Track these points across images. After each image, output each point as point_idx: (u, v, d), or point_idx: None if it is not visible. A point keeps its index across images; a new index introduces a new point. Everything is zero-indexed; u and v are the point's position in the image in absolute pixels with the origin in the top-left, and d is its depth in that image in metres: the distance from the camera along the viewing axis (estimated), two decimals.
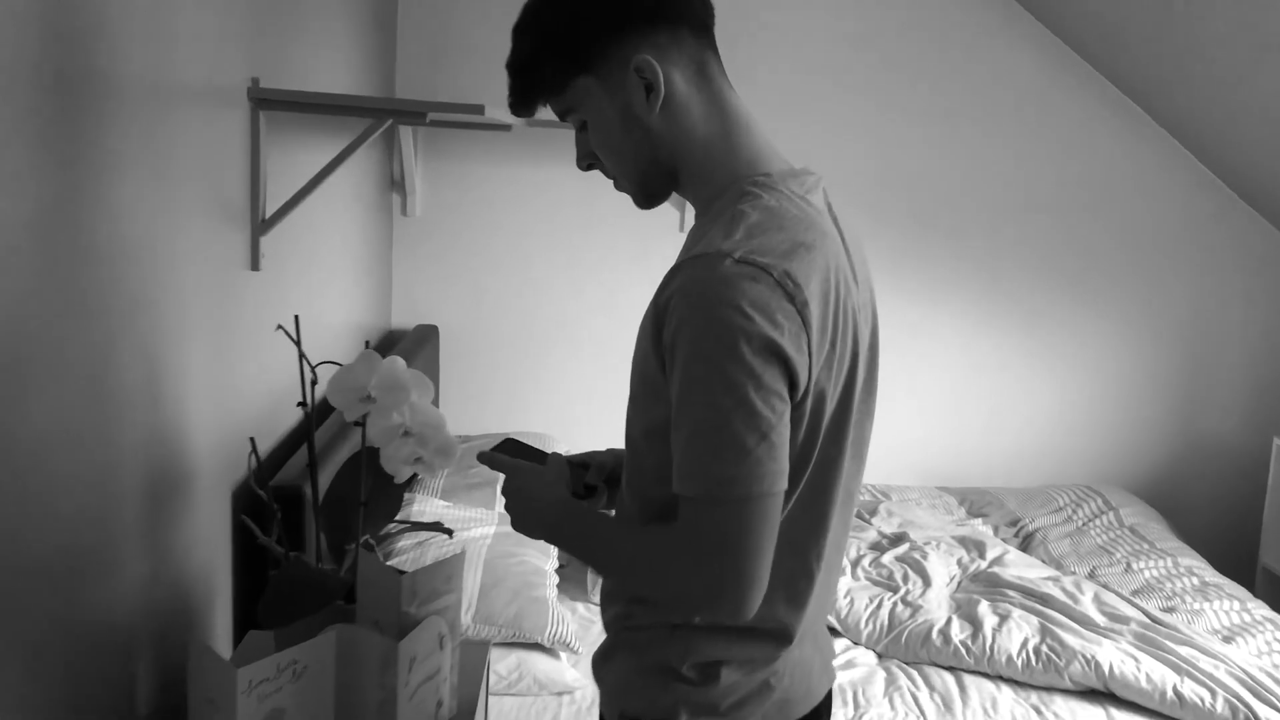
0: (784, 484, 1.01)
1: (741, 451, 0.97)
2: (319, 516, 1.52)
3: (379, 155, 3.06)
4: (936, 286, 3.47)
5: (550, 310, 3.35)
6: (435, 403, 3.33)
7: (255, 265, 1.84)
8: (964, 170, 3.42)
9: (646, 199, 1.21)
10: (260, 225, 1.83)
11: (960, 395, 3.54)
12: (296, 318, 1.52)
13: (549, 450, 1.41)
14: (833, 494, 1.12)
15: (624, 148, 1.15)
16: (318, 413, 1.58)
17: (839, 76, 3.33)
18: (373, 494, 1.52)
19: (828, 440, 1.09)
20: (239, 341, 1.76)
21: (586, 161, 1.20)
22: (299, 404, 1.48)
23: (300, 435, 2.03)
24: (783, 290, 1.00)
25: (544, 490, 1.20)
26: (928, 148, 3.40)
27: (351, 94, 2.50)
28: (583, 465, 1.28)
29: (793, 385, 1.01)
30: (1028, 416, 3.58)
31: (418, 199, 3.28)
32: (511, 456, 1.25)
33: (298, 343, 1.47)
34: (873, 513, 3.16)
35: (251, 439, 1.56)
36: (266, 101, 1.80)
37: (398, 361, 1.49)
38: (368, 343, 1.47)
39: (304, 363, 1.47)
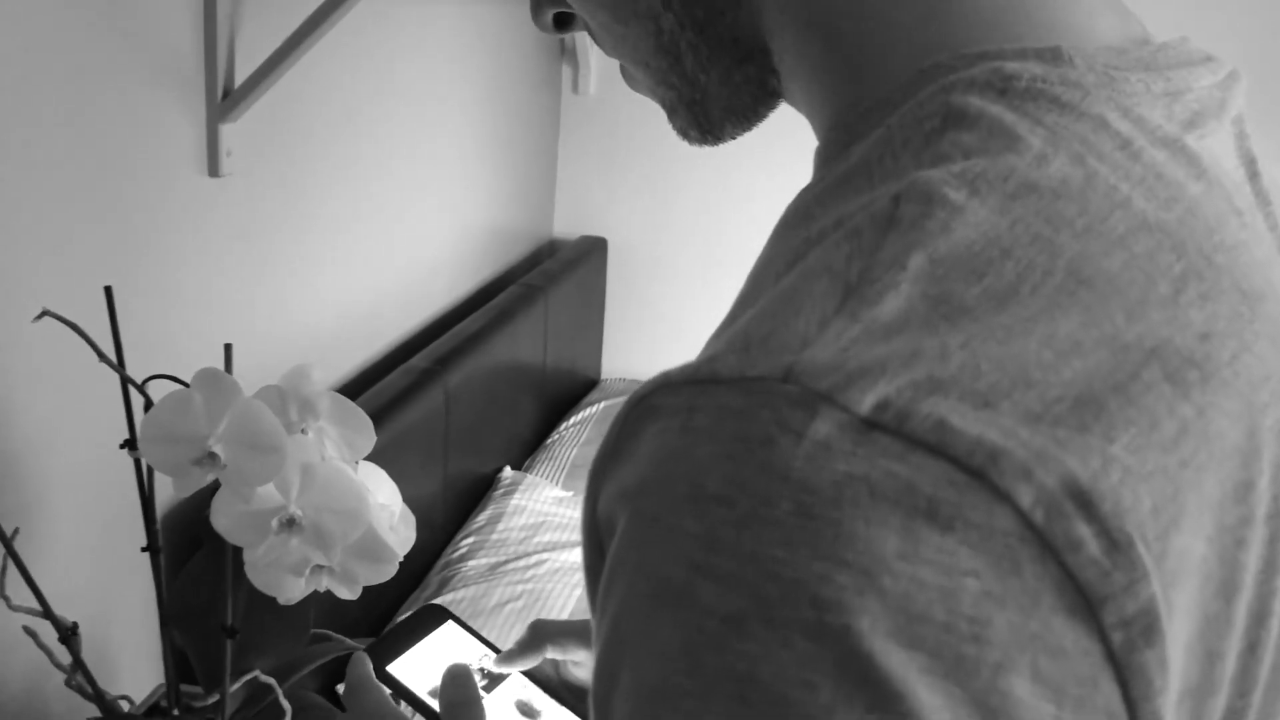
0: None
1: None
2: (165, 635, 0.87)
3: None
4: None
5: (747, 232, 2.56)
6: (596, 342, 2.65)
7: (214, 169, 1.18)
8: None
9: (695, 122, 0.47)
10: (219, 106, 1.16)
11: None
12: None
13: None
14: None
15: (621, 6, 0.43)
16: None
17: None
18: (249, 619, 0.86)
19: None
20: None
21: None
22: (123, 445, 0.82)
23: None
24: (1082, 590, 0.26)
25: None
26: None
27: None
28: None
29: None
30: None
31: (593, 73, 2.54)
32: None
33: (106, 358, 0.80)
34: None
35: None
36: None
37: (290, 383, 0.80)
38: (228, 347, 0.79)
39: (125, 383, 0.80)
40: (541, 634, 0.65)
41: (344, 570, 0.81)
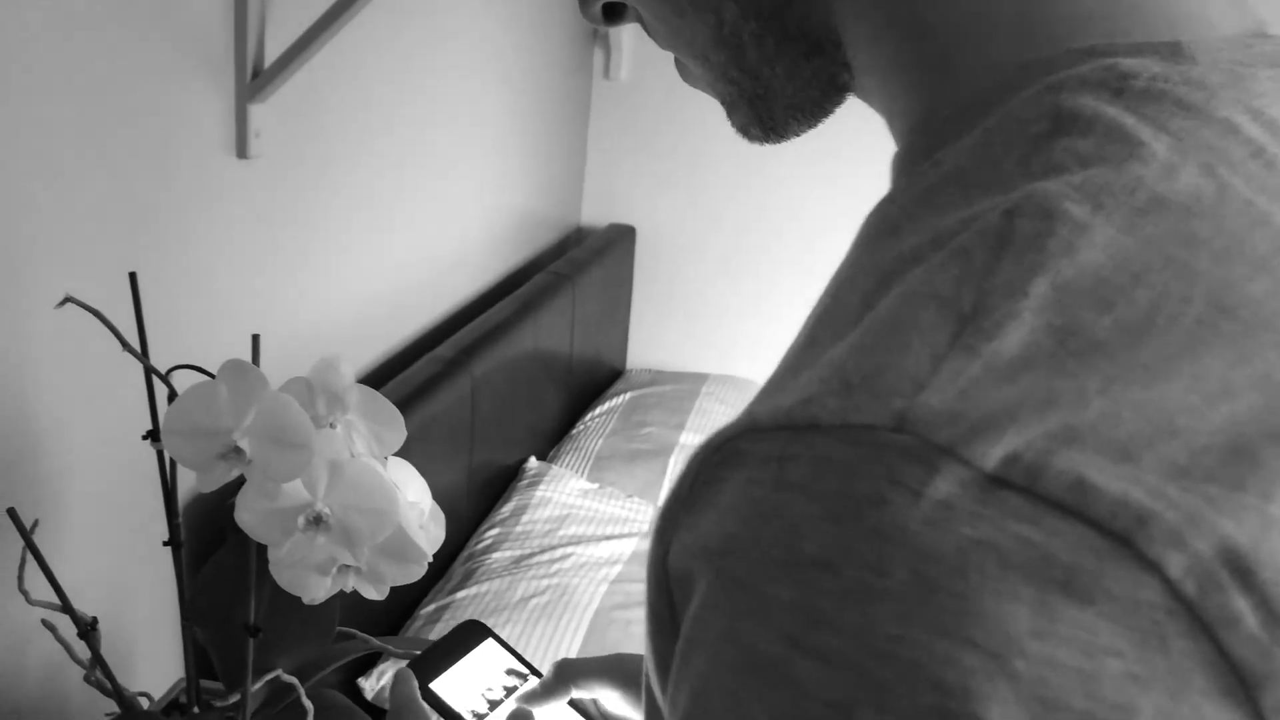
0: None
1: None
2: (185, 631, 0.85)
3: None
4: None
5: (779, 224, 2.52)
6: (622, 332, 2.62)
7: (242, 150, 1.15)
8: None
9: (757, 119, 0.43)
10: (249, 86, 1.14)
11: None
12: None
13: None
14: None
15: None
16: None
17: None
18: (273, 617, 0.83)
19: None
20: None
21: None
22: (145, 436, 0.79)
23: None
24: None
25: None
26: None
27: None
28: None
29: None
30: None
31: (625, 59, 2.50)
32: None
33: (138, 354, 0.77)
34: None
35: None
36: None
37: (318, 376, 0.77)
38: (255, 337, 0.77)
39: (149, 372, 0.78)
40: (567, 675, 0.62)
41: (371, 570, 0.79)
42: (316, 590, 0.79)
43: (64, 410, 0.96)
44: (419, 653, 0.66)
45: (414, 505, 0.82)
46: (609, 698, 0.61)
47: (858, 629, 0.22)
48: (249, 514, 0.75)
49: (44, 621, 0.79)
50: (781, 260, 2.52)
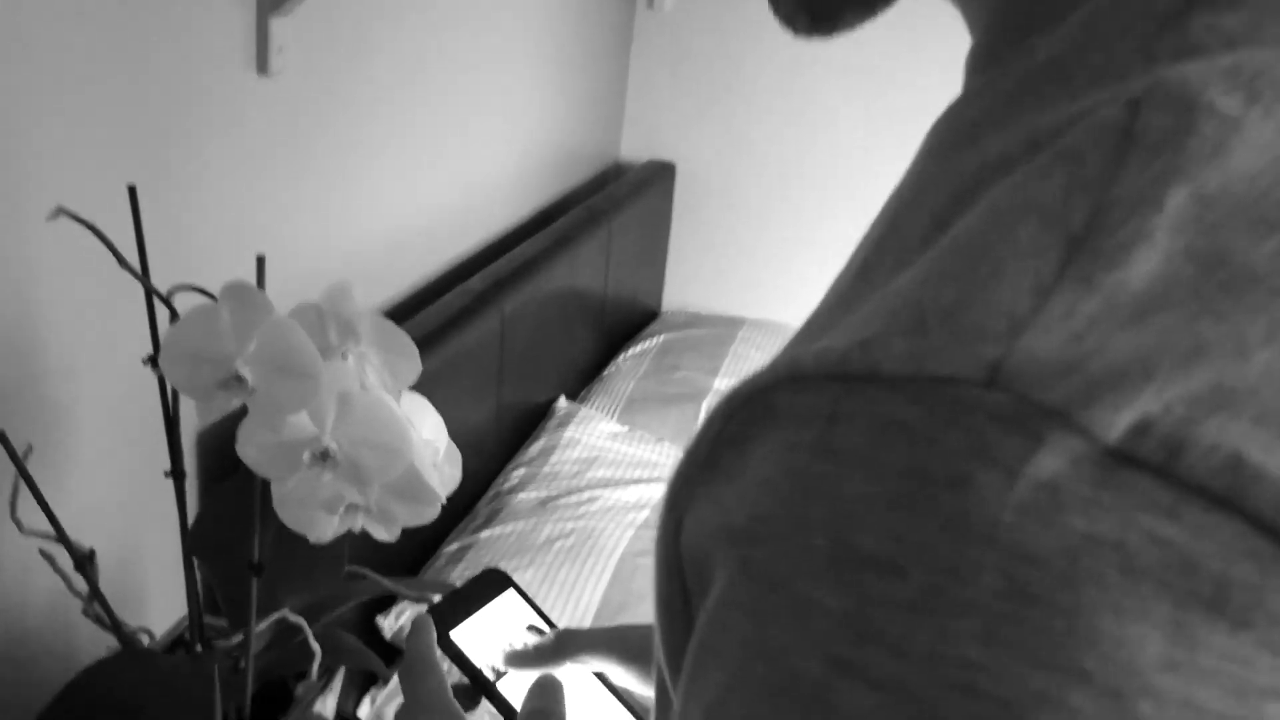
0: None
1: None
2: (188, 566, 0.81)
3: None
4: None
5: (829, 164, 2.43)
6: (659, 272, 2.55)
7: (263, 65, 1.10)
8: None
9: (805, 5, 0.35)
10: None
11: None
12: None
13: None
14: None
15: None
16: None
17: None
18: (279, 554, 0.79)
19: None
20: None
21: None
22: (146, 361, 0.75)
23: None
24: None
25: None
26: None
27: None
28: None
29: None
30: None
31: None
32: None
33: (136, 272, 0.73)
34: None
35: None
36: None
37: (330, 302, 0.72)
38: (260, 259, 0.71)
39: (150, 293, 0.73)
40: (566, 645, 0.57)
41: (381, 510, 0.75)
42: (323, 529, 0.74)
43: (66, 332, 0.92)
44: (436, 597, 0.62)
45: (428, 443, 0.78)
46: (613, 672, 0.56)
47: (926, 652, 0.17)
48: (251, 447, 0.70)
49: (41, 552, 0.76)
50: (829, 203, 2.43)
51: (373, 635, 1.34)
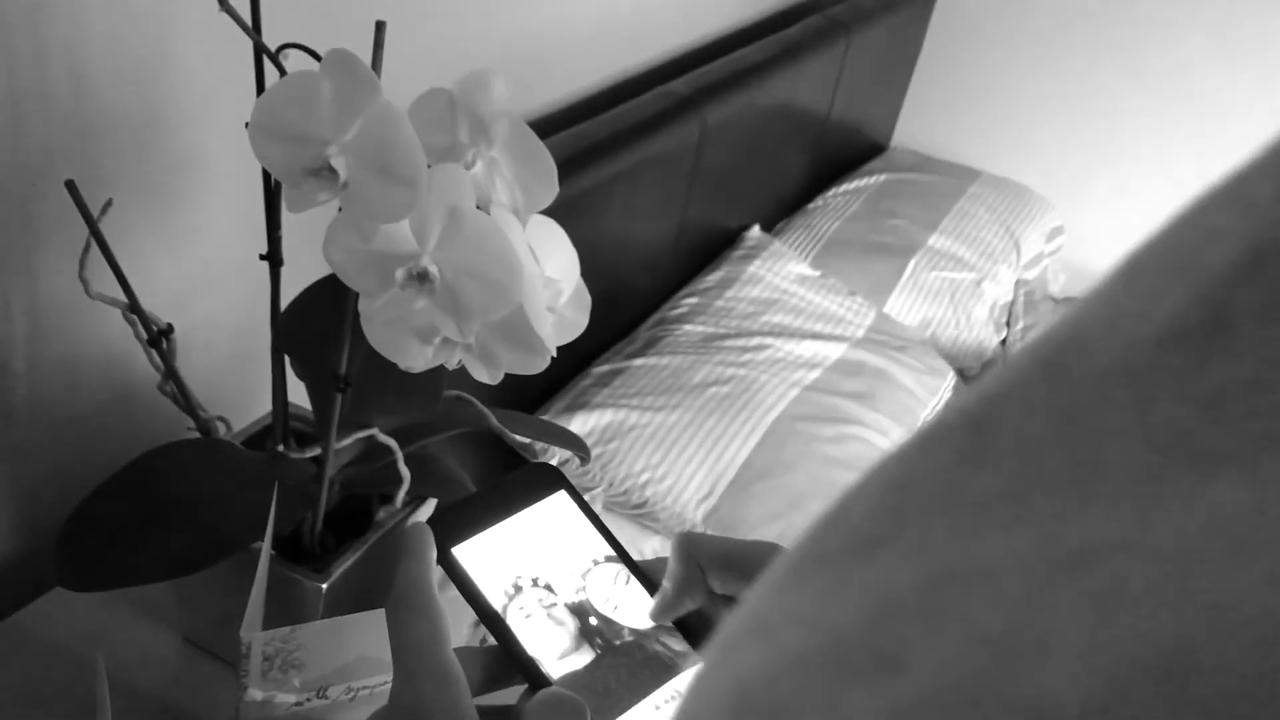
0: None
1: None
2: (275, 360, 0.72)
3: None
4: None
5: (1121, 12, 2.07)
6: (895, 102, 2.28)
7: None
8: None
9: None
10: None
11: None
12: None
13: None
14: None
15: None
16: None
17: None
18: (370, 372, 0.70)
19: None
20: None
21: None
22: (248, 124, 0.64)
23: None
24: None
25: None
26: None
27: None
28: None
29: None
30: None
31: None
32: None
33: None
34: None
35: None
36: None
37: (465, 93, 0.59)
38: (380, 24, 0.58)
39: (259, 50, 0.61)
40: (693, 555, 0.44)
41: (482, 349, 0.63)
42: (414, 359, 0.64)
43: (184, 89, 0.82)
44: (548, 451, 0.49)
45: (551, 283, 0.65)
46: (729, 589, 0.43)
47: None
48: (338, 251, 0.59)
49: (125, 314, 0.68)
50: (1110, 60, 2.09)
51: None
